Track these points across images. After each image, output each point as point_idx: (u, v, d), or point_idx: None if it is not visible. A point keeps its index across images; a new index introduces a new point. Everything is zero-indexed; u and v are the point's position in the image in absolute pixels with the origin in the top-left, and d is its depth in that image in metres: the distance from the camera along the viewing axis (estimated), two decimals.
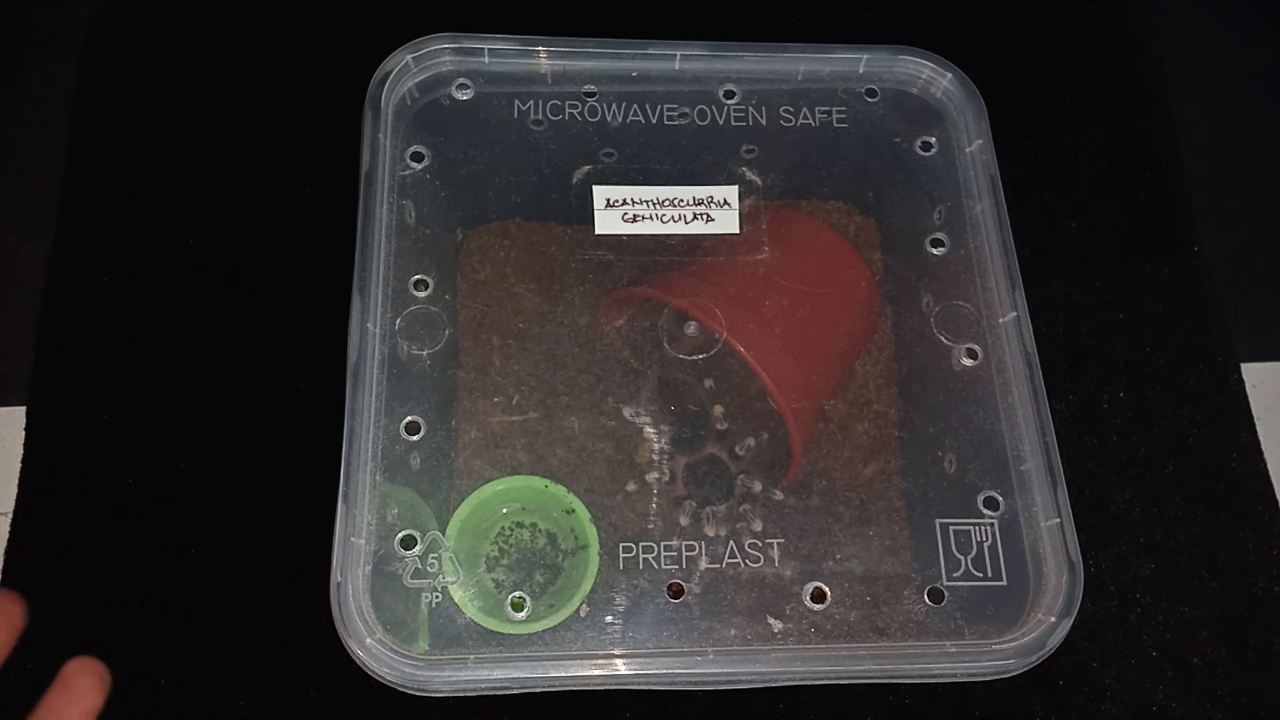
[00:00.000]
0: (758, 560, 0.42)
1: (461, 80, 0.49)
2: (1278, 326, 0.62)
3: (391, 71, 0.48)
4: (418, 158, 0.48)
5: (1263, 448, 0.49)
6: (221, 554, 0.44)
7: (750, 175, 0.49)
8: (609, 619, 0.41)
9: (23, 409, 0.47)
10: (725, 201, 0.48)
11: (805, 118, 0.50)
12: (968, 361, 0.46)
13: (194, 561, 0.44)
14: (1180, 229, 0.54)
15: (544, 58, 0.49)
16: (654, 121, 0.49)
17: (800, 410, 0.44)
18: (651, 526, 0.43)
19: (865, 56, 0.51)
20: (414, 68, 0.49)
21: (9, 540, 0.44)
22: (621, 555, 0.42)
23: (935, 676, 0.40)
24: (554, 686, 0.39)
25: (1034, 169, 0.54)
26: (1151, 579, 0.46)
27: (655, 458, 0.44)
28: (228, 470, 0.45)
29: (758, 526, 0.43)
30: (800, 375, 0.44)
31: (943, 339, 0.46)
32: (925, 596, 0.42)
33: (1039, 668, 0.40)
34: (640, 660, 0.39)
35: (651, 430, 0.45)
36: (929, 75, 0.51)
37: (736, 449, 0.45)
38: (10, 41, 0.62)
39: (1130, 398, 0.50)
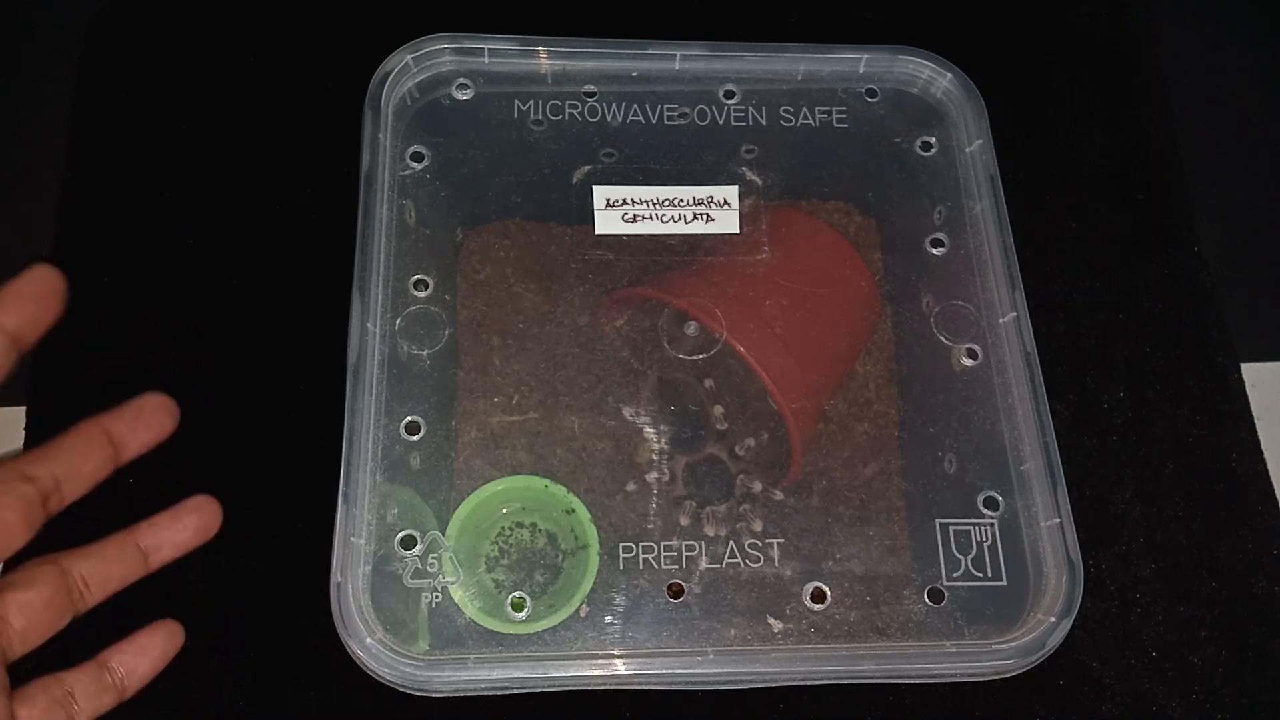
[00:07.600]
0: (758, 560, 0.42)
1: (461, 80, 0.49)
2: (1278, 326, 0.62)
3: (391, 71, 0.48)
4: (418, 158, 0.48)
5: (1263, 448, 0.49)
6: (221, 554, 0.44)
7: (750, 175, 0.49)
8: (609, 619, 0.41)
9: (23, 409, 0.47)
10: (725, 201, 0.48)
11: (805, 118, 0.50)
12: (968, 361, 0.46)
13: (194, 561, 0.44)
14: (1180, 229, 0.54)
15: (544, 58, 0.49)
16: (654, 121, 0.49)
17: (800, 410, 0.44)
18: (651, 526, 0.43)
19: (865, 56, 0.51)
20: (414, 68, 0.49)
21: None
22: (621, 555, 0.42)
23: (935, 676, 0.41)
24: (554, 686, 0.39)
25: (1034, 169, 0.54)
26: (1151, 579, 0.46)
27: (655, 458, 0.44)
28: (228, 470, 0.45)
29: (758, 526, 0.43)
30: (800, 375, 0.44)
31: (943, 339, 0.46)
32: (925, 596, 0.42)
33: (1039, 668, 0.40)
34: (640, 660, 0.39)
35: (651, 430, 0.45)
36: (929, 75, 0.51)
37: (736, 449, 0.45)
38: (10, 41, 0.62)
39: (1130, 398, 0.50)
